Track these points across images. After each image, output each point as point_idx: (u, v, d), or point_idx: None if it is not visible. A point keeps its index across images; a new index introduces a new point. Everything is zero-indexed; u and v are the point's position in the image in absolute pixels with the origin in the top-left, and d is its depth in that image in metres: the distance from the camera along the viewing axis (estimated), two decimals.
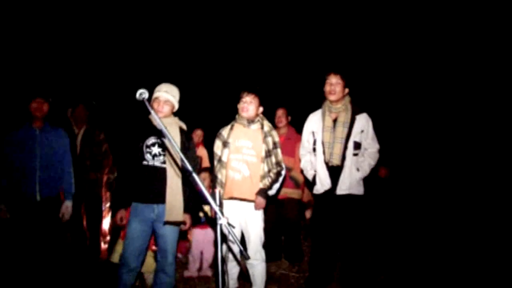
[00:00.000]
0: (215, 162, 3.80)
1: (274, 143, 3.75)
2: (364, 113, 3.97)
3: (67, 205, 3.97)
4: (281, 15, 10.42)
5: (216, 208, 2.13)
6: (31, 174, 3.78)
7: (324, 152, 3.92)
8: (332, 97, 3.90)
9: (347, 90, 3.96)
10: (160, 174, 3.40)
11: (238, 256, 3.78)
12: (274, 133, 3.80)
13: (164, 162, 3.42)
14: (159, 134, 3.49)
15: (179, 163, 3.47)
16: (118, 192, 3.49)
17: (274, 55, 10.75)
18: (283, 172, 3.78)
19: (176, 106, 3.60)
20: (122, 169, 3.52)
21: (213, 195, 2.38)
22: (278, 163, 3.75)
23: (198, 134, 6.28)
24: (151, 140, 3.48)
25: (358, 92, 4.35)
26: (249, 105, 3.73)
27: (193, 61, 10.79)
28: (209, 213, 4.66)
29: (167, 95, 3.48)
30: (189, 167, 2.22)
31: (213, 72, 10.86)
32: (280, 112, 5.42)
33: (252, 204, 3.67)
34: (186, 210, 3.48)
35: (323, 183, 3.91)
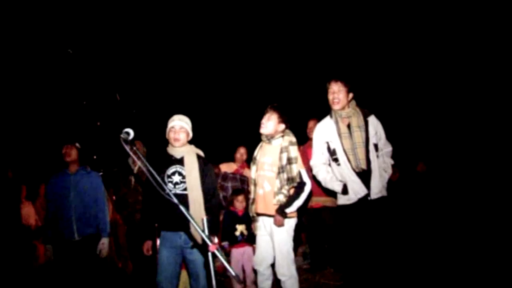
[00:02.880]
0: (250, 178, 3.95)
1: (289, 159, 3.64)
2: (372, 115, 3.89)
3: (103, 241, 4.28)
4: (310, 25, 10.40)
5: (204, 235, 2.26)
6: (68, 215, 4.15)
7: (349, 160, 3.79)
8: (336, 106, 3.84)
9: (351, 95, 3.87)
10: (182, 201, 3.56)
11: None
12: (292, 148, 3.67)
13: (185, 189, 3.60)
14: (178, 163, 3.70)
15: (200, 188, 3.64)
16: (144, 224, 3.73)
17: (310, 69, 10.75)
18: (306, 188, 3.64)
19: (191, 134, 3.79)
20: (146, 201, 3.77)
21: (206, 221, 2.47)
22: (291, 179, 3.63)
23: (241, 152, 5.78)
24: (171, 169, 3.67)
25: (365, 94, 4.28)
26: (266, 121, 3.75)
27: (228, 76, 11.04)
28: (244, 232, 4.80)
29: (181, 122, 3.70)
30: (175, 200, 2.35)
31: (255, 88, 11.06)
32: (311, 124, 5.47)
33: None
34: (211, 231, 3.65)
35: (357, 191, 3.74)
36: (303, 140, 5.59)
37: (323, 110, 4.11)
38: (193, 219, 2.31)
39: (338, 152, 3.84)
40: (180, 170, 3.66)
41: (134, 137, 5.48)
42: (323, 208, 5.21)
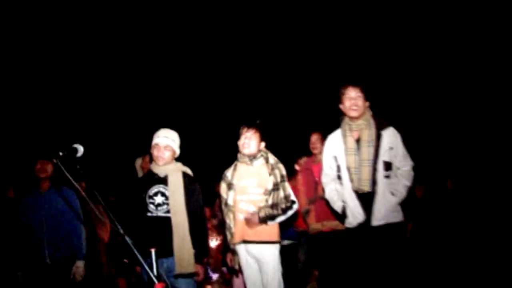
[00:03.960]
0: (223, 206, 3.60)
1: (282, 176, 3.44)
2: (390, 127, 3.39)
3: (78, 265, 3.95)
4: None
5: (150, 272, 1.98)
6: (39, 237, 3.85)
7: (351, 179, 3.38)
8: (354, 113, 3.38)
9: (367, 103, 3.44)
10: (165, 224, 3.29)
11: None
12: (281, 166, 3.50)
13: (168, 212, 3.30)
14: (161, 182, 3.40)
15: (184, 210, 3.32)
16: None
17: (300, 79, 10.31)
18: (295, 206, 3.44)
19: (177, 151, 3.49)
20: (130, 224, 3.46)
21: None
22: (286, 197, 3.40)
23: None
24: (154, 189, 3.37)
25: (380, 104, 3.83)
26: (250, 140, 3.48)
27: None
28: None
29: (167, 140, 3.40)
30: (120, 230, 2.01)
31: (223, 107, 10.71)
32: (314, 138, 4.97)
33: (265, 246, 3.37)
34: (198, 260, 3.31)
35: (355, 215, 3.36)
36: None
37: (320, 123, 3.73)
38: (139, 253, 1.95)
39: (342, 169, 3.44)
40: (163, 190, 3.39)
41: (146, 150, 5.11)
42: (334, 232, 4.63)
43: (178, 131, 3.57)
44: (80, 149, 2.17)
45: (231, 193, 3.51)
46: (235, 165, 3.60)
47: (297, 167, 5.39)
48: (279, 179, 3.41)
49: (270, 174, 3.42)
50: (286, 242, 6.01)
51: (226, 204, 3.53)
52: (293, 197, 3.45)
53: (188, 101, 10.51)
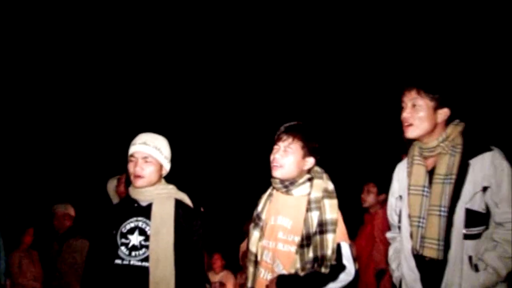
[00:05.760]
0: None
1: (322, 224, 2.12)
2: (487, 152, 2.02)
3: None
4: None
5: None
6: None
7: (411, 234, 2.13)
8: (408, 133, 2.14)
9: (445, 112, 2.10)
10: (139, 279, 2.19)
11: None
12: (329, 203, 2.16)
13: (146, 259, 2.21)
14: (142, 214, 2.30)
15: (172, 259, 2.22)
16: None
17: None
18: (343, 276, 2.08)
19: (166, 166, 2.41)
20: (88, 271, 2.37)
21: None
22: (320, 260, 2.09)
23: None
24: (130, 224, 2.30)
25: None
26: (282, 156, 2.18)
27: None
28: None
29: (147, 148, 2.30)
30: None
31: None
32: (365, 189, 4.00)
33: None
34: None
35: None
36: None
37: None
38: None
39: (402, 217, 2.21)
40: (143, 226, 2.29)
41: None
42: None
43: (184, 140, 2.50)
44: None
45: (256, 233, 2.29)
46: (271, 191, 2.37)
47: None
48: (314, 228, 2.11)
49: (304, 218, 2.14)
50: None
51: (248, 249, 2.34)
52: (341, 259, 2.11)
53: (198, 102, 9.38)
